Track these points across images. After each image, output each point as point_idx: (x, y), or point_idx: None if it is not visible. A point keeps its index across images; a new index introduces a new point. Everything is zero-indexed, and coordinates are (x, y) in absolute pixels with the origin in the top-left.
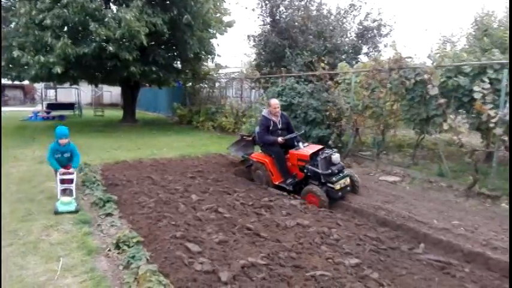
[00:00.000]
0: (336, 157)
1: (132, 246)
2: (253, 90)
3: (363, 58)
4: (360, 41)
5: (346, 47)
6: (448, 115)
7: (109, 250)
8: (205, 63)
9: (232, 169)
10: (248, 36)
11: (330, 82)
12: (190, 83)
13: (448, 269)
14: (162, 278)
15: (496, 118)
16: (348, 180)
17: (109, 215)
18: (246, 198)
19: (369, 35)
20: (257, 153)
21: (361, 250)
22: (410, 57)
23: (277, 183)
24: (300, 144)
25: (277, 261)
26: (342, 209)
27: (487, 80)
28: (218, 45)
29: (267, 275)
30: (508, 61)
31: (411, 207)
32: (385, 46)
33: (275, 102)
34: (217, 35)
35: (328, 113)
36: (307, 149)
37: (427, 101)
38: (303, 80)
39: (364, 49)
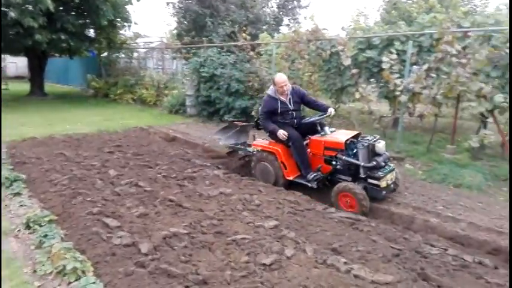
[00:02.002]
0: (381, 145)
1: (44, 225)
2: (175, 61)
3: (284, 30)
4: (280, 12)
5: (268, 18)
6: (359, 85)
7: (18, 231)
8: (121, 32)
9: (155, 141)
10: (167, 3)
11: (251, 53)
12: (105, 53)
13: (357, 225)
14: (78, 254)
15: (401, 87)
16: (394, 175)
17: (17, 194)
18: (169, 170)
19: (290, 6)
20: (262, 141)
21: (280, 213)
22: (325, 29)
23: (292, 178)
24: (326, 128)
25: (200, 230)
26: None
27: (394, 51)
28: (134, 11)
29: (188, 243)
30: (411, 33)
31: None
32: (305, 18)
33: (282, 78)
34: (133, 0)
35: (250, 83)
36: (337, 134)
37: (342, 72)
38: (225, 50)
39: (286, 21)
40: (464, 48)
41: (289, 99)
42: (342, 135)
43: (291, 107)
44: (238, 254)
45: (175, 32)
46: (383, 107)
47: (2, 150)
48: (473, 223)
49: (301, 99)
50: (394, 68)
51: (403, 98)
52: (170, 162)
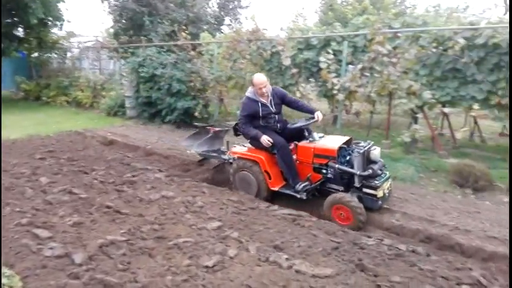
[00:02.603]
0: (377, 152)
1: None
2: (112, 61)
3: (225, 29)
4: (222, 12)
5: (209, 18)
6: (300, 84)
7: None
8: (53, 31)
9: (92, 145)
10: (102, 1)
11: (193, 52)
12: (36, 53)
13: (299, 220)
14: (6, 269)
15: (338, 85)
16: (390, 183)
17: None
18: (106, 175)
19: (230, 6)
20: (241, 147)
21: (223, 213)
22: (265, 29)
23: (277, 188)
24: (315, 134)
25: (139, 236)
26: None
27: (331, 52)
28: (67, 9)
29: (127, 250)
30: (347, 34)
31: None
32: (246, 18)
33: (260, 79)
34: None
35: (192, 84)
36: (327, 141)
37: (283, 72)
38: (165, 50)
39: (227, 20)
40: (394, 48)
41: (270, 100)
42: (333, 142)
43: (273, 109)
44: (179, 258)
45: (111, 30)
46: (323, 105)
47: None
48: (407, 213)
49: (282, 101)
50: (331, 67)
51: (340, 96)
52: (108, 166)
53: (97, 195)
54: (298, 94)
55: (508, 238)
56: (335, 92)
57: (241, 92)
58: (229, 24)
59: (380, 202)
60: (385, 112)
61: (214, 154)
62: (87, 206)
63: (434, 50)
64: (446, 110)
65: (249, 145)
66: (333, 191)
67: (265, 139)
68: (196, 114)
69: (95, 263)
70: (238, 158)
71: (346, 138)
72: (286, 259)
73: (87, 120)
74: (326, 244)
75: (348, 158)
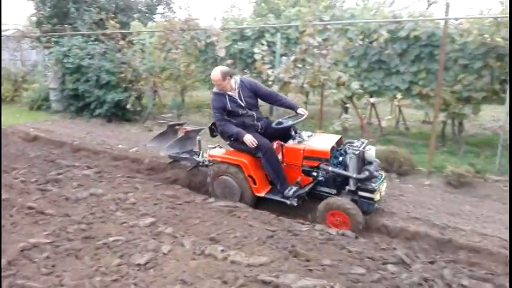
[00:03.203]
0: (372, 152)
1: None
2: (35, 51)
3: (158, 18)
4: (154, 1)
5: (140, 6)
6: (235, 75)
7: None
8: None
9: (13, 142)
10: None
11: (122, 42)
12: None
13: (235, 212)
14: None
15: (273, 77)
16: (385, 184)
17: None
18: (28, 174)
19: None
20: (219, 150)
21: (157, 209)
22: (198, 19)
23: (263, 194)
24: (304, 133)
25: (65, 237)
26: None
27: (265, 43)
28: None
29: (51, 253)
30: (280, 26)
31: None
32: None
33: (215, 76)
34: None
35: (123, 75)
36: (317, 140)
37: (219, 63)
38: (93, 39)
39: (160, 9)
40: (324, 40)
41: (239, 92)
42: (324, 142)
43: (243, 103)
44: (109, 257)
45: (34, 18)
46: None
47: None
48: None
49: (256, 93)
50: (265, 59)
51: (275, 87)
52: (30, 165)
53: (18, 195)
54: None
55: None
56: (270, 83)
57: (176, 83)
58: (163, 13)
59: (376, 205)
60: (318, 103)
61: (186, 156)
62: (8, 208)
63: (361, 42)
64: (373, 99)
65: (228, 147)
66: (325, 194)
67: (249, 139)
68: (128, 106)
69: (16, 268)
70: (217, 161)
71: (337, 137)
72: (222, 251)
73: (8, 115)
74: (261, 233)
75: (340, 159)
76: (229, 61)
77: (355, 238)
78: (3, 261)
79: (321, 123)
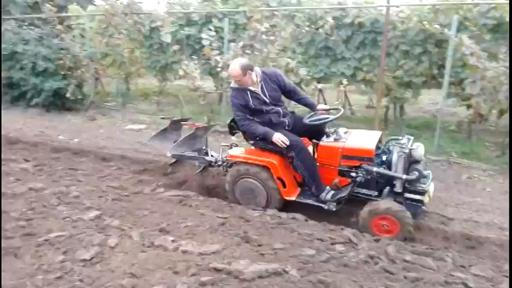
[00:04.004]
0: (421, 150)
1: None
2: None
3: (99, 1)
4: None
5: None
6: (183, 61)
7: None
8: None
9: None
10: None
11: (60, 27)
12: None
13: (186, 201)
14: None
15: (222, 63)
16: (433, 186)
17: None
18: None
19: None
20: (238, 149)
21: (103, 202)
22: (141, 2)
23: (294, 198)
24: (340, 130)
25: (2, 235)
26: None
27: (212, 28)
28: None
29: None
30: (227, 11)
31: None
32: None
33: (233, 71)
34: None
35: (62, 62)
36: (356, 138)
37: (165, 48)
38: (27, 24)
39: None
40: (272, 26)
41: (261, 87)
42: (365, 139)
43: (267, 98)
44: (52, 254)
45: None
46: (209, 83)
47: None
48: None
49: (279, 86)
50: (213, 44)
51: (225, 74)
52: None
53: None
54: (181, 72)
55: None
56: (219, 69)
57: (119, 70)
58: None
59: (424, 208)
60: None
61: (195, 155)
62: None
63: (307, 29)
64: (320, 85)
65: (248, 146)
66: (364, 196)
67: (280, 139)
68: (68, 95)
69: None
70: (240, 162)
71: (378, 133)
72: (173, 241)
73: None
74: (213, 221)
75: (384, 158)
76: (176, 47)
77: (305, 221)
78: None
79: None
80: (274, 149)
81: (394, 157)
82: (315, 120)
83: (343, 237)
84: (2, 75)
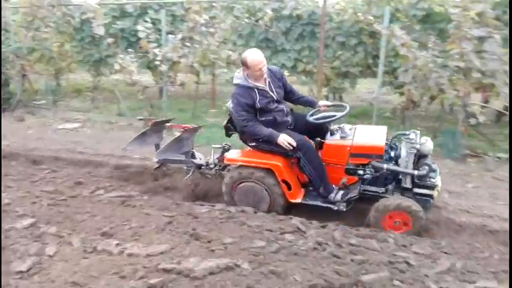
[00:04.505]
0: (429, 145)
1: None
2: None
3: None
4: None
5: None
6: (118, 55)
7: None
8: None
9: None
10: None
11: None
12: None
13: (129, 202)
14: None
15: (160, 56)
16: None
17: None
18: None
19: None
20: (237, 152)
21: (37, 208)
22: None
23: (299, 200)
24: (346, 127)
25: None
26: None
27: (149, 20)
28: None
29: None
30: (164, 2)
31: (92, 150)
32: None
33: (258, 57)
34: None
35: None
36: (363, 135)
37: (98, 42)
38: None
39: None
40: (211, 18)
41: (269, 83)
42: (373, 135)
43: (275, 96)
44: None
45: None
46: (147, 77)
47: None
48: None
49: (283, 85)
50: (151, 37)
51: (164, 67)
52: None
53: None
54: (117, 66)
55: None
56: (157, 63)
57: (48, 66)
58: None
59: (433, 202)
60: (210, 82)
61: (184, 159)
62: None
63: (247, 20)
64: None
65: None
66: (371, 194)
67: (286, 140)
68: None
69: None
70: (238, 166)
71: (384, 128)
72: (117, 244)
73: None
74: (159, 221)
75: (392, 154)
76: (110, 40)
77: (254, 213)
78: None
79: (213, 102)
80: (278, 150)
81: (403, 153)
82: (320, 118)
83: (291, 226)
84: None
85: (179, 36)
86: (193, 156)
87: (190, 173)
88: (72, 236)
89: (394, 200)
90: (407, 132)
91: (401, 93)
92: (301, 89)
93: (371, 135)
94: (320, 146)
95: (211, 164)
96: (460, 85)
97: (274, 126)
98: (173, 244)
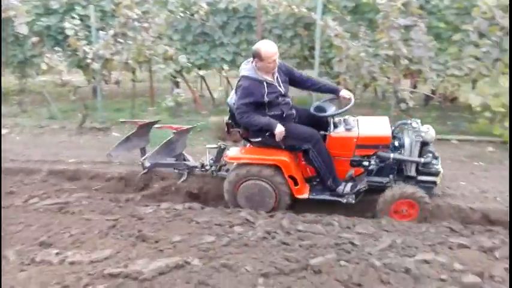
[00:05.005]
0: (432, 133)
1: None
2: None
3: None
4: None
5: None
6: (45, 55)
7: None
8: None
9: None
10: None
11: None
12: None
13: (67, 208)
14: None
15: (91, 54)
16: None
17: None
18: None
19: None
20: (237, 149)
21: None
22: None
23: (306, 196)
24: (350, 119)
25: None
26: None
27: (77, 17)
28: None
29: None
30: None
31: (23, 157)
32: None
33: (273, 49)
34: None
35: None
36: (367, 126)
37: (22, 41)
38: None
39: None
40: (144, 12)
41: (277, 78)
42: (378, 126)
43: (282, 89)
44: None
45: None
46: (79, 77)
47: None
48: None
49: (290, 77)
50: (80, 34)
51: (96, 65)
52: None
53: None
54: (44, 66)
55: None
56: (89, 61)
57: None
58: None
59: (435, 187)
60: (147, 79)
61: (178, 162)
62: None
63: (182, 14)
64: (202, 72)
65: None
66: (376, 184)
67: (281, 131)
68: None
69: None
70: (243, 164)
71: (386, 118)
72: (57, 254)
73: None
74: (102, 225)
75: (396, 143)
76: (34, 39)
77: (202, 209)
78: None
79: (152, 99)
80: (272, 144)
81: (407, 141)
82: (320, 111)
83: (240, 218)
84: None
85: (111, 32)
86: (184, 158)
87: (185, 177)
88: (7, 248)
89: (400, 188)
90: (408, 121)
91: (338, 83)
92: None
93: (376, 126)
94: (323, 139)
95: (206, 165)
96: (391, 72)
97: (282, 120)
98: (118, 248)
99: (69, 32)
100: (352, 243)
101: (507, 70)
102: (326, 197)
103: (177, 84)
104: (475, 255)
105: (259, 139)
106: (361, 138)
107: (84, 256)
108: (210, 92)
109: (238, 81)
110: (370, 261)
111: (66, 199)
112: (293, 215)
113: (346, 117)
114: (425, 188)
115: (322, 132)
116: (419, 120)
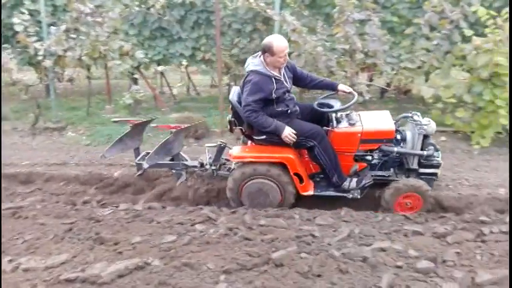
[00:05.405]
0: (433, 126)
1: None
2: None
3: None
4: None
5: None
6: None
7: None
8: None
9: None
10: None
11: None
12: None
13: (19, 213)
14: None
15: (43, 50)
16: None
17: None
18: None
19: None
20: (241, 148)
21: None
22: None
23: (311, 192)
24: (353, 114)
25: None
26: None
27: (26, 12)
28: None
29: None
30: None
31: None
32: None
33: (284, 43)
34: None
35: None
36: (370, 120)
37: None
38: None
39: None
40: (98, 7)
41: (284, 75)
42: (381, 120)
43: (288, 85)
44: None
45: None
46: (30, 75)
47: None
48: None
49: (294, 73)
50: (29, 30)
51: (48, 62)
52: None
53: None
54: None
55: None
56: (40, 58)
57: None
58: None
59: (436, 179)
60: (103, 76)
61: (177, 162)
62: None
63: (137, 8)
64: (160, 68)
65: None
66: (379, 178)
67: (290, 133)
68: None
69: None
70: (248, 163)
71: (386, 112)
72: (10, 261)
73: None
74: (57, 229)
75: (398, 137)
76: None
77: (162, 208)
78: None
79: (109, 97)
80: (278, 142)
81: (409, 135)
82: (322, 107)
83: (202, 216)
84: None
85: (63, 27)
86: (182, 158)
87: (184, 177)
88: None
89: (405, 182)
90: (409, 114)
91: None
92: (203, 78)
93: (379, 120)
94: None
95: (206, 164)
96: (347, 66)
97: (287, 116)
98: (75, 252)
99: (18, 28)
100: (313, 235)
101: (457, 62)
102: (331, 193)
103: (135, 81)
104: (429, 242)
105: (264, 137)
106: (366, 133)
107: (39, 262)
108: (170, 88)
109: (246, 76)
110: (329, 252)
111: (19, 203)
112: (255, 210)
113: (348, 112)
114: (427, 180)
115: (324, 128)
116: (419, 113)
